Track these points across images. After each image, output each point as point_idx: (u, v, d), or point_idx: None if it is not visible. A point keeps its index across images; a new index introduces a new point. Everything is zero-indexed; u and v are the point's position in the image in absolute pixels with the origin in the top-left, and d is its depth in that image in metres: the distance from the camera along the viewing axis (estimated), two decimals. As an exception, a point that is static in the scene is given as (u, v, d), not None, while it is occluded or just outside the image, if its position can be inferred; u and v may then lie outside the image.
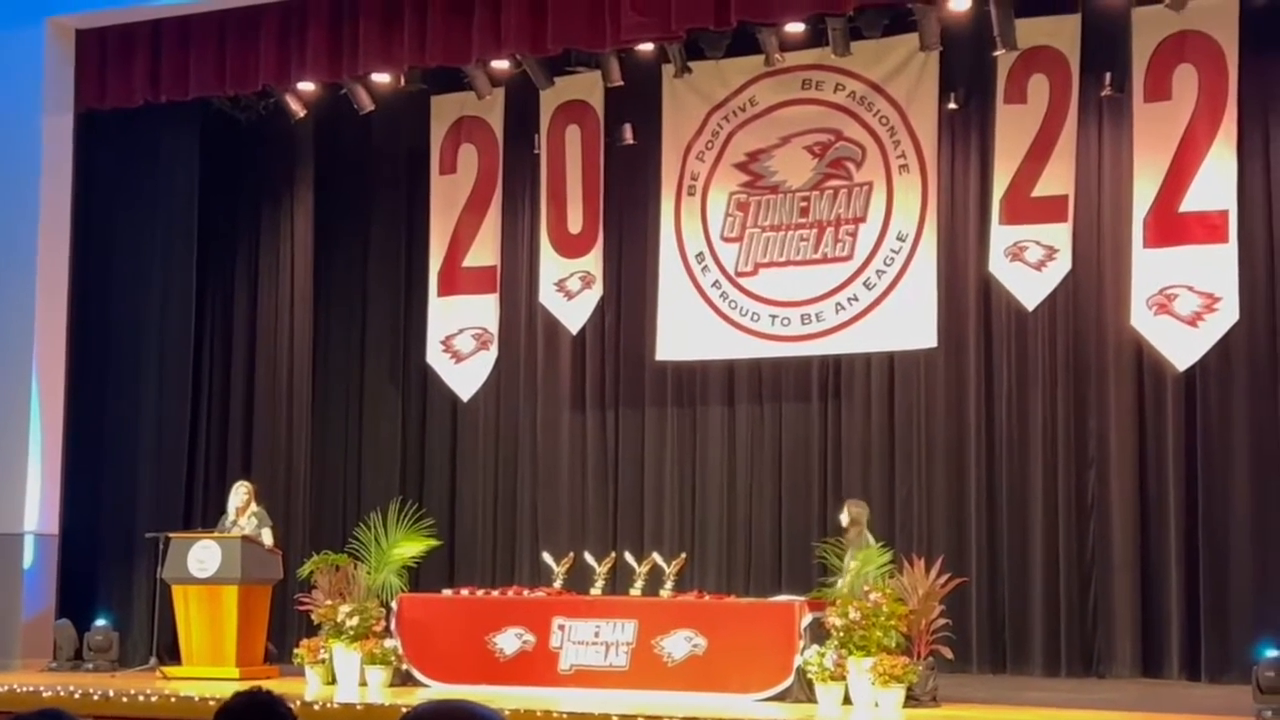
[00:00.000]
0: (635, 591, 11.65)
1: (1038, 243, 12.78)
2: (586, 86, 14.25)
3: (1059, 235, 12.76)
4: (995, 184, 12.99)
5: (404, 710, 3.15)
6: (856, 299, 13.33)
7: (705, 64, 13.79)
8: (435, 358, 14.88)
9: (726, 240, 13.87)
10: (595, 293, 14.31)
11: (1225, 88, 12.16)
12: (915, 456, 13.39)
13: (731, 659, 10.84)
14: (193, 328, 14.89)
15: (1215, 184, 12.15)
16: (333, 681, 11.70)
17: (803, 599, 11.08)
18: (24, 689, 11.21)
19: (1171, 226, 12.27)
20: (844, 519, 11.45)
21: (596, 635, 11.30)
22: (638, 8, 12.36)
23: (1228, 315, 12.07)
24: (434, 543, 12.52)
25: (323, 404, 15.30)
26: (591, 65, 14.04)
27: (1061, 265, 12.76)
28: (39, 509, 13.88)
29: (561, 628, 11.42)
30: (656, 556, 11.92)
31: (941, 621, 10.55)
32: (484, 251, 14.75)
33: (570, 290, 14.39)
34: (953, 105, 13.28)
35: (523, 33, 12.77)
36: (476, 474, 14.99)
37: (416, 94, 14.69)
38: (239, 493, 12.86)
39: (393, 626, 11.82)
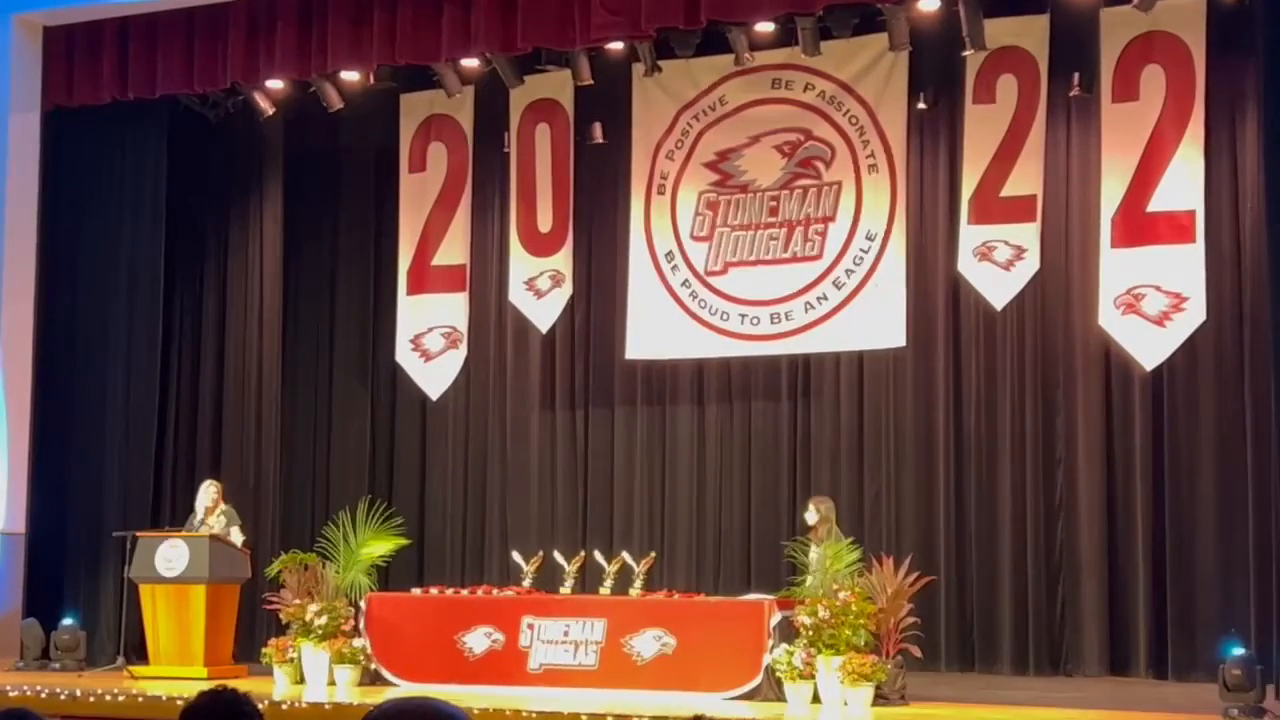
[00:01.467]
0: (604, 590, 11.65)
1: (1006, 242, 12.81)
2: (556, 85, 14.24)
3: (1027, 235, 12.79)
4: (964, 184, 13.02)
5: (371, 709, 3.13)
6: (826, 298, 13.35)
7: (675, 63, 13.78)
8: (404, 356, 14.86)
9: (696, 239, 13.88)
10: (565, 291, 14.30)
11: (1193, 88, 12.21)
12: (884, 456, 13.42)
13: (701, 658, 10.85)
14: (160, 326, 14.82)
15: (1182, 184, 12.20)
16: (301, 681, 11.67)
17: (772, 598, 11.10)
18: (-10, 689, 11.17)
19: (1139, 226, 12.32)
20: (812, 517, 11.46)
21: (566, 634, 11.30)
22: (608, 6, 12.37)
23: (1195, 315, 12.12)
24: (403, 542, 12.51)
25: (291, 402, 15.25)
26: (561, 64, 14.03)
27: (1030, 265, 12.80)
28: (5, 508, 13.83)
29: (531, 627, 11.41)
30: (626, 555, 11.92)
31: (910, 620, 10.59)
32: (453, 250, 14.73)
33: (540, 289, 14.37)
34: (922, 105, 13.30)
35: (492, 31, 12.76)
36: (446, 473, 14.98)
37: (386, 92, 14.67)
38: (207, 492, 12.82)
39: (361, 626, 11.80)
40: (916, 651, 10.72)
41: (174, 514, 14.05)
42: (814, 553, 11.06)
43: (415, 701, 3.06)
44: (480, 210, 14.81)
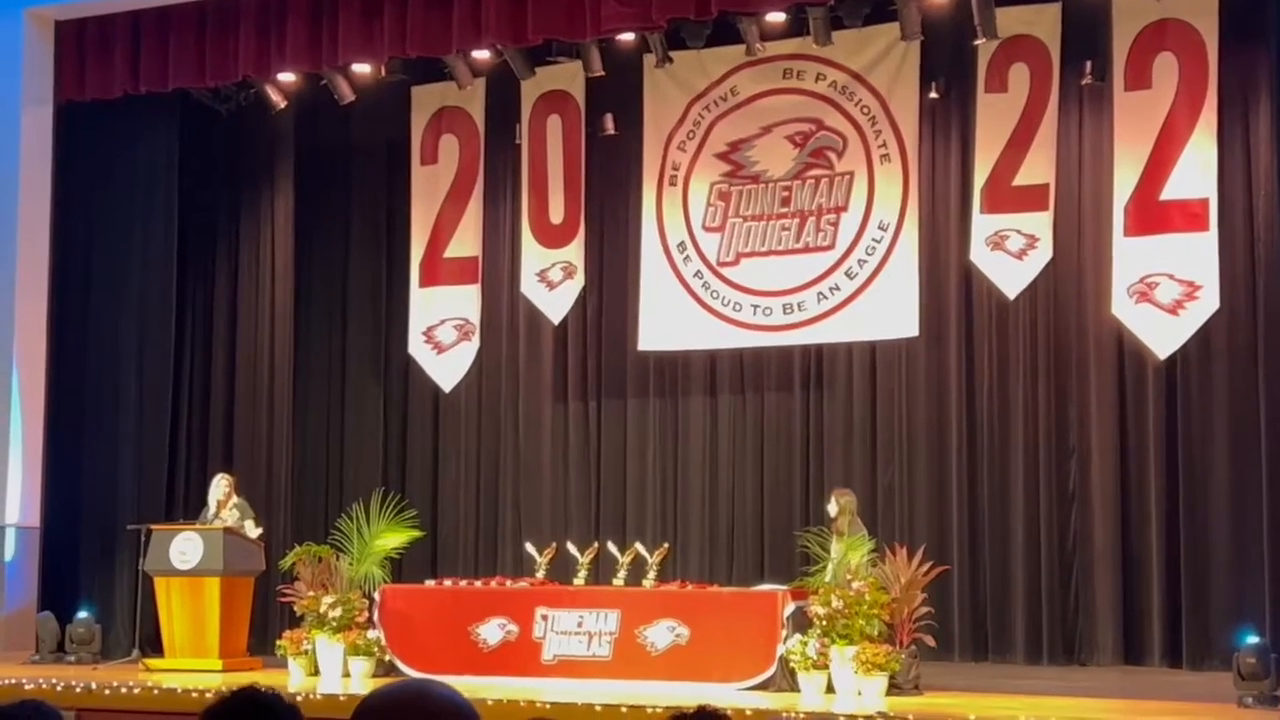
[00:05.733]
0: (618, 581, 11.66)
1: (1019, 231, 12.80)
2: (567, 77, 14.23)
3: (1040, 224, 12.77)
4: (976, 173, 13.00)
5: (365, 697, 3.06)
6: (838, 288, 13.34)
7: (686, 54, 13.77)
8: (417, 349, 14.87)
9: (708, 230, 13.87)
10: (577, 283, 14.30)
11: (1205, 76, 12.18)
12: (897, 446, 13.40)
13: (714, 648, 10.86)
14: (173, 320, 14.87)
15: (1196, 172, 12.18)
16: (316, 673, 11.69)
17: (785, 588, 11.09)
18: (6, 682, 11.19)
19: (1152, 215, 12.30)
20: (832, 509, 11.43)
21: (580, 625, 11.30)
22: (618, -3, 12.37)
23: (1208, 303, 12.10)
24: (416, 534, 12.51)
25: (304, 395, 15.28)
26: (572, 55, 14.01)
27: (1042, 254, 12.78)
28: (20, 501, 13.86)
29: (545, 618, 11.42)
30: (639, 546, 11.92)
31: (924, 610, 10.59)
32: (465, 242, 14.74)
33: (552, 280, 14.37)
34: (934, 94, 13.28)
35: (503, 23, 12.76)
36: (459, 465, 14.98)
37: (397, 84, 14.67)
38: (220, 485, 12.82)
39: (376, 617, 11.81)
40: (930, 641, 10.70)
41: (187, 507, 14.09)
42: (835, 545, 11.04)
43: (410, 686, 3.00)
44: (492, 202, 14.81)
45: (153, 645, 12.79)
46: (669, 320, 13.91)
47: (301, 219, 15.26)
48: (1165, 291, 12.19)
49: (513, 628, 11.48)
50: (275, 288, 15.17)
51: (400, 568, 12.98)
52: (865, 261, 13.26)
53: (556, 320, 14.46)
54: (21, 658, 13.10)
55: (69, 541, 14.26)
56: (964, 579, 12.85)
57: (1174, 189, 12.23)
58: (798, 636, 10.50)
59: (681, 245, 13.92)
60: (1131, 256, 12.35)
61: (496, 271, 14.80)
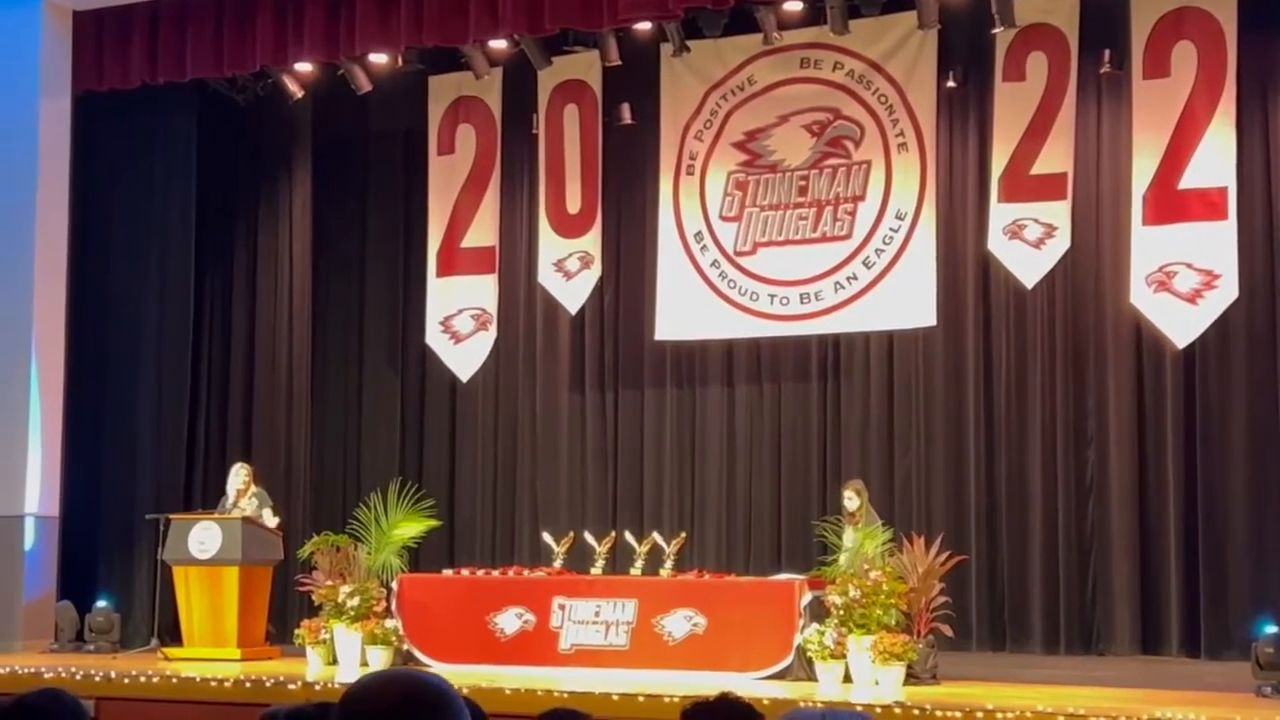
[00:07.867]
0: (635, 571, 11.67)
1: (1036, 220, 12.77)
2: (584, 66, 14.23)
3: (1058, 213, 12.74)
4: (994, 162, 12.97)
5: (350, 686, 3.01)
6: (855, 278, 13.32)
7: (703, 43, 13.76)
8: (434, 338, 14.88)
9: (725, 219, 13.86)
10: (594, 273, 14.30)
11: (1224, 64, 12.14)
12: (914, 435, 13.40)
13: (732, 638, 10.86)
14: (192, 310, 14.90)
15: (1214, 161, 12.14)
16: (334, 662, 11.71)
17: (802, 577, 11.09)
18: (25, 670, 11.23)
19: (1171, 204, 12.26)
20: (853, 503, 11.42)
21: (597, 615, 11.31)
22: (635, -13, 12.35)
23: (1227, 292, 12.06)
24: (434, 523, 12.53)
25: (322, 385, 15.31)
26: (589, 45, 14.01)
27: (1060, 243, 12.74)
28: (39, 491, 13.89)
29: (562, 607, 11.43)
30: (656, 536, 11.93)
31: (941, 599, 10.57)
32: (482, 232, 14.74)
33: (569, 270, 14.37)
34: (951, 83, 13.26)
35: (520, 12, 12.76)
36: (476, 454, 15.01)
37: (414, 74, 14.68)
38: (238, 475, 12.86)
39: (393, 607, 11.83)
40: (948, 631, 10.69)
41: (206, 497, 14.12)
42: (849, 535, 11.04)
43: (397, 673, 2.95)
44: (509, 192, 14.82)
45: (171, 634, 12.82)
46: (686, 310, 13.91)
47: (319, 209, 15.28)
48: (1184, 280, 12.15)
49: (530, 617, 11.50)
50: (293, 278, 15.20)
51: (418, 557, 13.00)
52: (883, 251, 13.24)
53: (573, 310, 14.47)
54: (41, 646, 13.16)
55: (88, 531, 14.30)
56: (981, 568, 12.84)
57: (1192, 178, 12.19)
58: (815, 626, 10.50)
59: (699, 235, 13.92)
60: (1150, 245, 12.31)
61: (513, 261, 14.81)
